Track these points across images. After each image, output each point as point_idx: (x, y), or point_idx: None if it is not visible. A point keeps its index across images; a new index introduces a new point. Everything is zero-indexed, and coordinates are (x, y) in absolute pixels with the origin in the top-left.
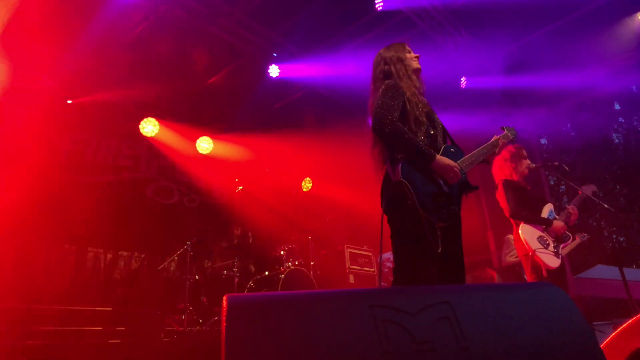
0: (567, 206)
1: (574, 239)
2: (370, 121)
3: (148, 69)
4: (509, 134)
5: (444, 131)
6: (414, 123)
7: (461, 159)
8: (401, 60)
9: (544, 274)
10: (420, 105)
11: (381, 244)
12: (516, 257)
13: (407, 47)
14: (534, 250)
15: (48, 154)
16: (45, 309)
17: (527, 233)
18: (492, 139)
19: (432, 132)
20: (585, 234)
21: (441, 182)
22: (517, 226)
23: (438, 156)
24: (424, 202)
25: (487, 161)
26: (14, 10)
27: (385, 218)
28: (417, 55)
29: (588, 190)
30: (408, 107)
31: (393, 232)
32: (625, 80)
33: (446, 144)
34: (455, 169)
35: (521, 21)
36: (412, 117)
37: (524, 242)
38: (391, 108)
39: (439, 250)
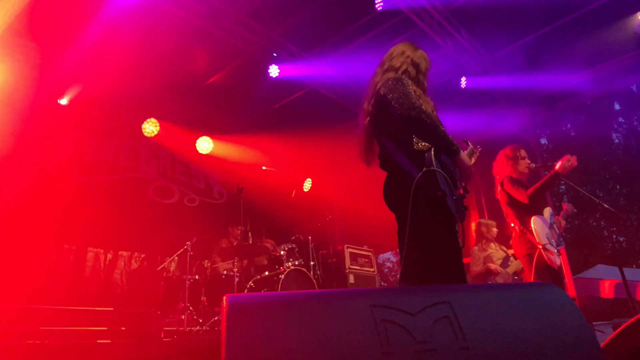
0: (557, 217)
1: None
2: (364, 105)
3: (148, 68)
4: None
5: None
6: None
7: None
8: (425, 75)
9: (550, 270)
10: (430, 105)
11: (406, 242)
12: (482, 265)
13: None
14: (543, 245)
15: (48, 154)
16: (45, 309)
17: (538, 226)
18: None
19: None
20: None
21: (457, 177)
22: (524, 223)
23: (462, 151)
24: (452, 194)
25: None
26: (17, 10)
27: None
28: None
29: (569, 208)
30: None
31: (413, 225)
32: (625, 80)
33: None
34: (472, 168)
35: (521, 21)
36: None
37: (535, 234)
38: (414, 97)
39: (462, 246)
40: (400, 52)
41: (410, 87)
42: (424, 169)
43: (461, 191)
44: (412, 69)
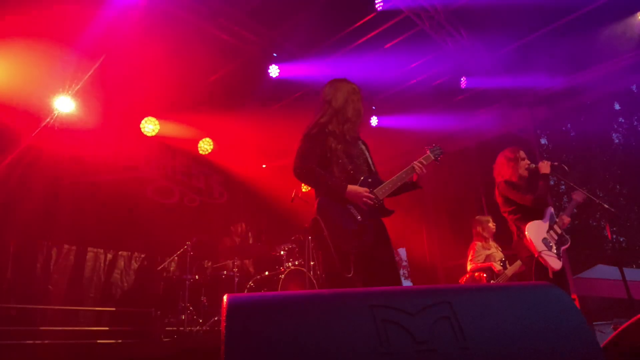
0: (561, 214)
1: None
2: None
3: (148, 68)
4: (431, 155)
5: (367, 164)
6: (334, 165)
7: (377, 188)
8: (349, 117)
9: (550, 275)
10: (339, 147)
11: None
12: (484, 260)
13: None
14: (540, 252)
15: (48, 154)
16: (45, 309)
17: (532, 234)
18: (411, 165)
19: (349, 167)
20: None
21: (354, 213)
22: (519, 228)
23: (349, 186)
24: (338, 233)
25: (417, 186)
26: None
27: (314, 246)
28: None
29: (579, 196)
30: (328, 153)
31: (318, 260)
32: (625, 80)
33: (364, 176)
34: (365, 193)
35: (521, 21)
36: (333, 161)
37: (530, 243)
38: (307, 154)
39: (350, 275)
40: (322, 102)
41: (317, 140)
42: (312, 218)
43: (360, 219)
44: (330, 118)
